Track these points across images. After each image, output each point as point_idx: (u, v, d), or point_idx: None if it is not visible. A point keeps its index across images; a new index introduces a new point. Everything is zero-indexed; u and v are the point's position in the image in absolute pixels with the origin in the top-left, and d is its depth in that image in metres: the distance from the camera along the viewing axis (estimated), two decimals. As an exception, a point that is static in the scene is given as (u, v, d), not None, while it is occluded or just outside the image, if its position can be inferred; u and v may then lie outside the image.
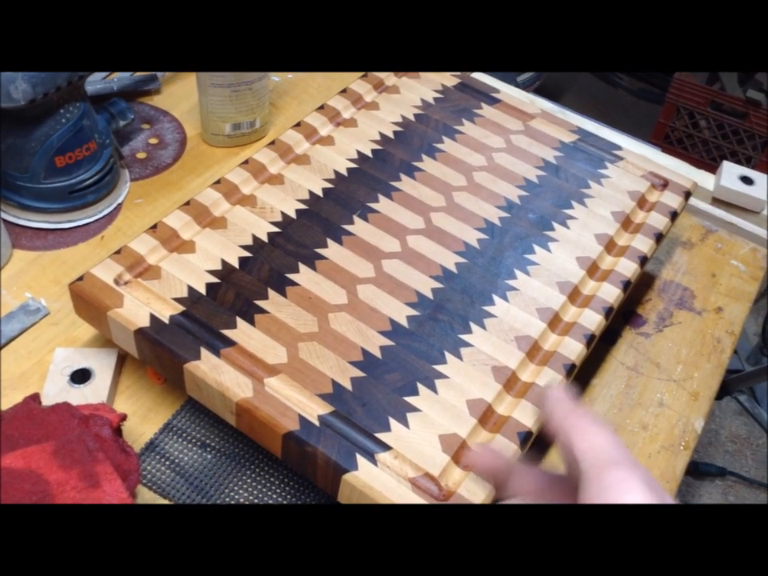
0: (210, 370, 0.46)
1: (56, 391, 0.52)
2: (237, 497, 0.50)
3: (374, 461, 0.43)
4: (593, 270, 0.57)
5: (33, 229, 0.64)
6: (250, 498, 0.50)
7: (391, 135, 0.65)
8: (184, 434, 0.53)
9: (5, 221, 0.62)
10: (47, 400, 0.51)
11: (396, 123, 0.67)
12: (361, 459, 0.43)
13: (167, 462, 0.51)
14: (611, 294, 0.55)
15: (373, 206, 0.59)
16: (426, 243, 0.57)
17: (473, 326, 0.51)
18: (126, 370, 0.56)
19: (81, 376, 0.53)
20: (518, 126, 0.69)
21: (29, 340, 0.57)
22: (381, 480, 0.42)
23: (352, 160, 0.62)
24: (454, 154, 0.65)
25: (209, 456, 0.52)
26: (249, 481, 0.51)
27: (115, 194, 0.67)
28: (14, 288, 0.60)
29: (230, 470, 0.51)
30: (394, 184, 0.61)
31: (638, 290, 0.66)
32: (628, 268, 0.57)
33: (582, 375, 0.59)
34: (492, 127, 0.68)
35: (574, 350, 0.51)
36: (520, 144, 0.67)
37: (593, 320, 0.53)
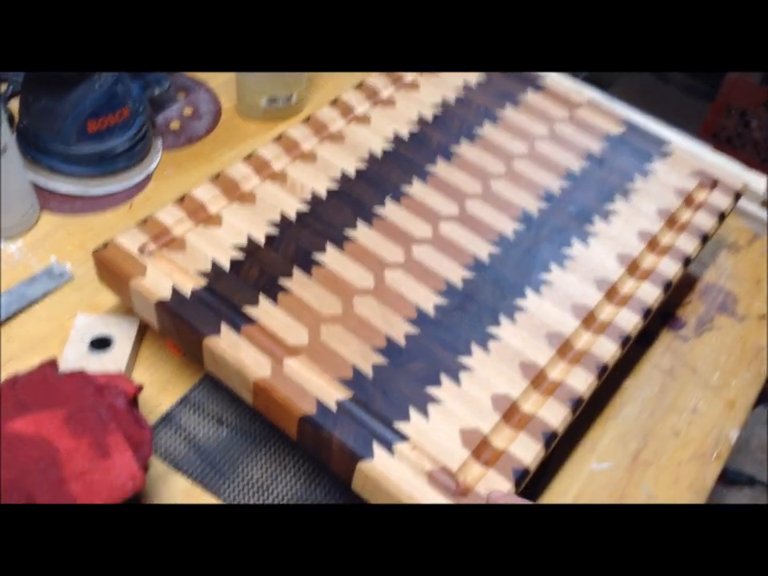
0: (230, 346, 0.45)
1: (75, 357, 0.51)
2: (250, 474, 0.49)
3: (390, 451, 0.42)
4: (633, 268, 0.55)
5: (61, 193, 0.63)
6: (263, 477, 0.49)
7: (430, 118, 0.63)
8: (201, 408, 0.52)
9: (34, 184, 0.62)
10: (66, 365, 0.51)
11: (436, 105, 0.65)
12: (377, 448, 0.42)
13: (182, 436, 0.50)
14: (651, 294, 0.52)
15: (406, 189, 0.57)
16: (459, 231, 0.55)
17: (502, 318, 0.49)
18: (147, 339, 0.55)
19: (101, 343, 0.53)
20: (563, 114, 0.66)
21: (51, 304, 0.56)
22: (396, 471, 0.41)
23: (388, 141, 0.61)
24: (495, 139, 0.63)
25: (224, 432, 0.51)
26: (263, 460, 0.50)
27: (146, 163, 0.66)
28: (40, 251, 0.59)
29: (245, 448, 0.50)
30: (430, 168, 0.59)
31: (678, 291, 0.63)
32: (670, 268, 0.54)
33: (613, 376, 0.56)
34: (536, 114, 0.66)
35: (607, 350, 0.49)
36: (564, 133, 0.65)
37: (629, 321, 0.51)
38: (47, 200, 0.63)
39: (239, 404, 0.52)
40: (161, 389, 0.53)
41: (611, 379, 0.56)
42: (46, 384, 0.42)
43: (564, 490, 0.51)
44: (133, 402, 0.45)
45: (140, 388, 0.46)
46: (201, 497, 0.48)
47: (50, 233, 0.61)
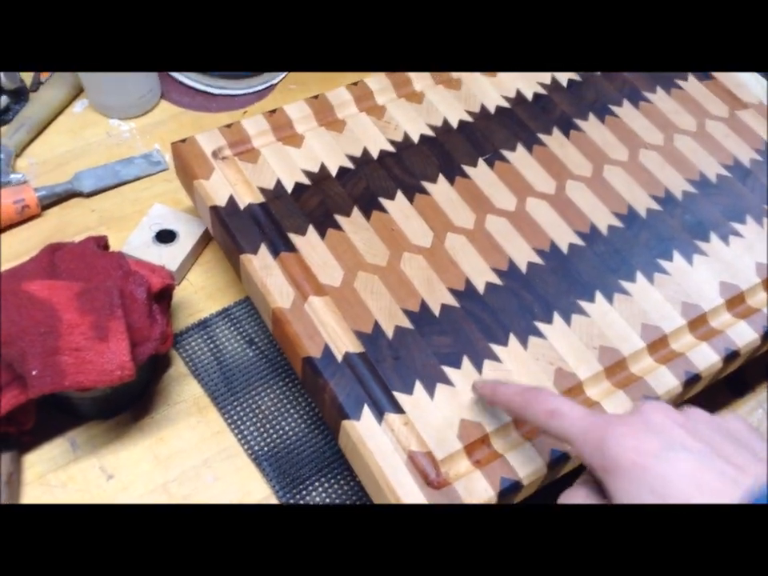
0: (261, 268, 0.44)
1: (138, 243, 0.53)
2: (260, 402, 0.48)
3: (380, 418, 0.39)
4: (735, 302, 0.46)
5: (185, 86, 0.64)
6: (272, 408, 0.48)
7: (564, 82, 0.57)
8: (237, 325, 0.52)
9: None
10: (128, 248, 0.52)
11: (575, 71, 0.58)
12: (367, 411, 0.39)
13: (211, 345, 0.50)
14: (744, 336, 0.44)
15: (506, 153, 0.52)
16: (546, 211, 0.49)
17: (556, 316, 0.44)
18: (213, 245, 0.56)
19: (166, 236, 0.54)
20: (722, 112, 0.57)
21: (139, 188, 0.58)
22: (378, 440, 0.38)
23: (507, 98, 0.55)
24: (629, 122, 0.55)
25: (251, 353, 0.50)
26: (278, 392, 0.49)
27: (272, 74, 0.66)
28: (147, 137, 0.61)
29: (265, 375, 0.49)
30: (542, 137, 0.53)
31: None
32: (782, 314, 0.46)
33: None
34: (689, 104, 0.57)
35: (665, 383, 0.42)
36: (714, 133, 0.56)
37: (705, 358, 0.43)
38: (169, 89, 0.64)
39: (272, 329, 0.51)
40: (208, 295, 0.53)
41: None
42: (83, 257, 0.44)
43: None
44: (161, 296, 0.46)
45: (169, 285, 0.46)
46: (206, 409, 0.48)
47: (163, 122, 0.63)
